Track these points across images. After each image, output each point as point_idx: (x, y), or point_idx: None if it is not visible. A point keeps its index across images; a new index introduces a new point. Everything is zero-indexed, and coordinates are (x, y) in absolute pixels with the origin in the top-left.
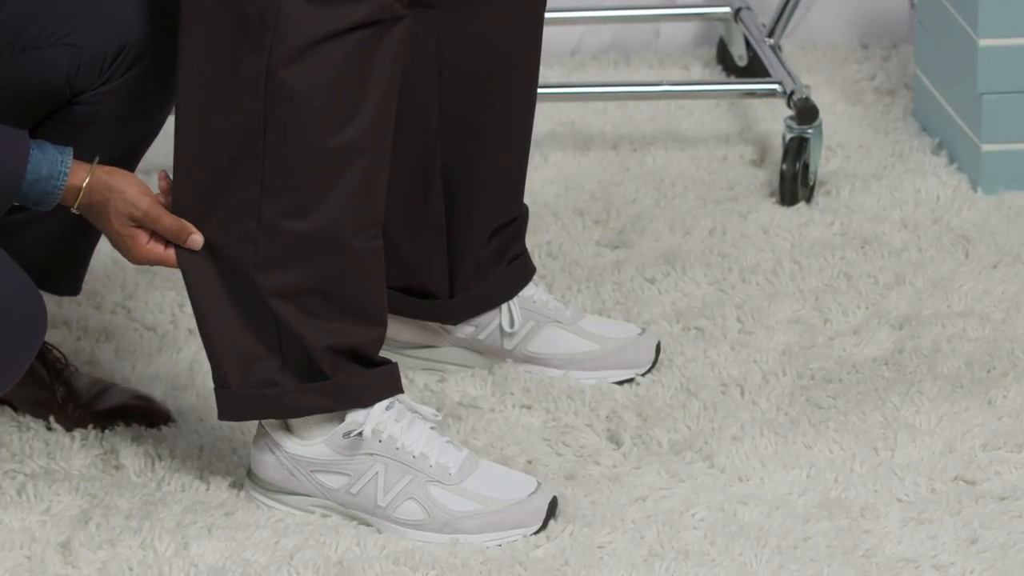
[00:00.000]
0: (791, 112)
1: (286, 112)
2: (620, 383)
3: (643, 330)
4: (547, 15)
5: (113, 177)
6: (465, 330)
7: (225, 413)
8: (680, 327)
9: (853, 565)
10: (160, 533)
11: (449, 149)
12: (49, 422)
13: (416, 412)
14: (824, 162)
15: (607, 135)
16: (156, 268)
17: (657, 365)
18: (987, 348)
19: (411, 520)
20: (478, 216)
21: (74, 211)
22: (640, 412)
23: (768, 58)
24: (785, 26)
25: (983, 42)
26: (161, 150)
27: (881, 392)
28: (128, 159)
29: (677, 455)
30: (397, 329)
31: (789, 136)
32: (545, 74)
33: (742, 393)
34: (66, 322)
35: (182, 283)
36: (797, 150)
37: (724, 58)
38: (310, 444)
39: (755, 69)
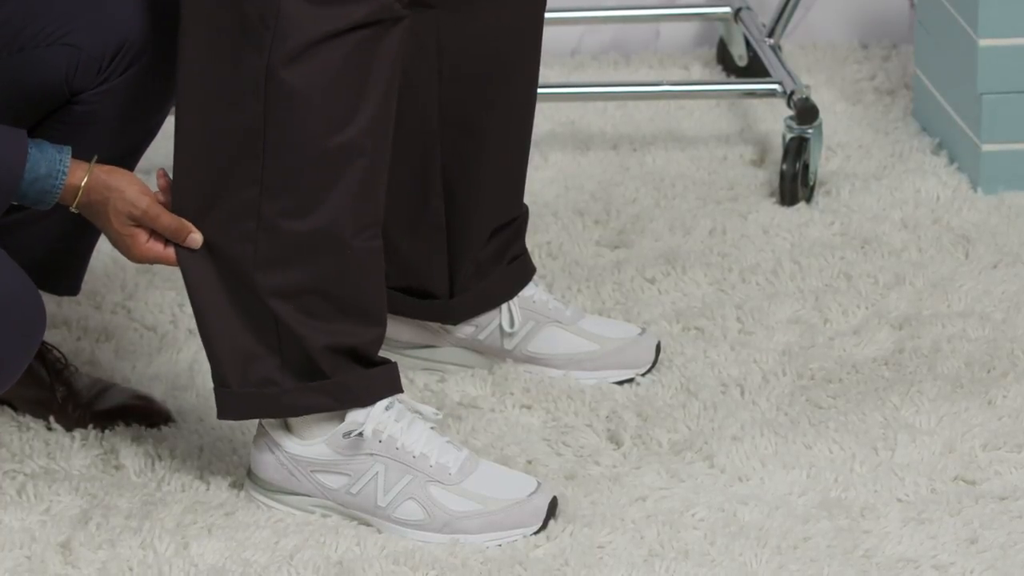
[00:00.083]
0: (791, 112)
1: (286, 112)
2: (620, 383)
3: (643, 330)
4: (547, 15)
5: (112, 176)
6: (465, 330)
7: (224, 412)
8: (680, 327)
9: (853, 565)
10: (160, 533)
11: (449, 149)
12: (49, 422)
13: (417, 412)
14: (824, 162)
15: (607, 135)
16: (156, 268)
17: (657, 365)
18: (987, 348)
19: (411, 520)
20: (478, 216)
21: (73, 210)
22: (640, 412)
23: (768, 58)
24: (785, 26)
25: (983, 42)
26: (161, 150)
27: (881, 392)
28: (127, 158)
29: (677, 455)
30: (397, 329)
31: (789, 136)
32: (545, 74)
33: (742, 393)
34: (66, 322)
35: (182, 283)
36: (797, 150)
37: (724, 58)
38: (310, 444)
39: (755, 69)
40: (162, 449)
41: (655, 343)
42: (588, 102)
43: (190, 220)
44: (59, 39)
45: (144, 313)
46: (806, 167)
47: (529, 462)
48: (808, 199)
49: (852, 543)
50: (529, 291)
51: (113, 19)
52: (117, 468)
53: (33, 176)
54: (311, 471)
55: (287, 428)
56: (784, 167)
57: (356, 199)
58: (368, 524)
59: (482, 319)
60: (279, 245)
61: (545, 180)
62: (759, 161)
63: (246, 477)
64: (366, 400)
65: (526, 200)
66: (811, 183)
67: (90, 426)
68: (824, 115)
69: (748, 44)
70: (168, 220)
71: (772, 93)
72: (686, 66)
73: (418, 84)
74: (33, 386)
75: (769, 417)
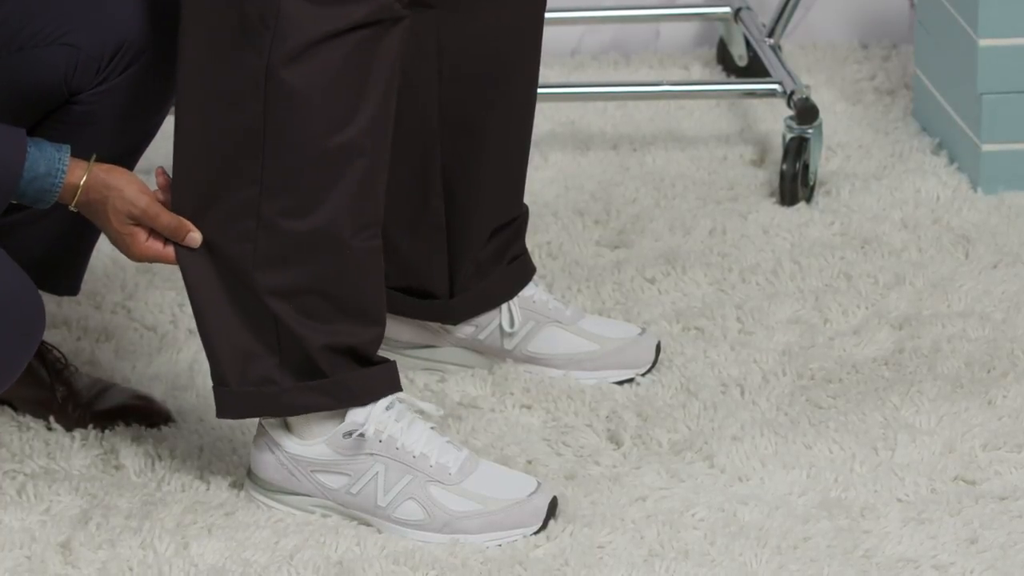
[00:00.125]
0: (791, 112)
1: (286, 112)
2: (620, 383)
3: (643, 330)
4: (547, 15)
5: (111, 175)
6: (465, 330)
7: (223, 411)
8: (680, 327)
9: (853, 565)
10: (160, 533)
11: (449, 149)
12: (49, 422)
13: (418, 408)
14: (824, 162)
15: (607, 135)
16: (156, 268)
17: (657, 365)
18: (987, 348)
19: (411, 520)
20: (478, 216)
21: (72, 209)
22: (640, 412)
23: (768, 58)
24: (785, 26)
25: (983, 42)
26: (161, 150)
27: (881, 392)
28: (127, 158)
29: (677, 455)
30: (397, 329)
31: (789, 136)
32: (545, 74)
33: (742, 393)
34: (66, 322)
35: (182, 283)
36: (797, 150)
37: (724, 58)
38: (310, 444)
39: (755, 69)
40: (162, 449)
41: (655, 343)
42: (588, 102)
43: (189, 219)
44: (58, 39)
45: (144, 313)
46: (806, 167)
47: (529, 462)
48: (808, 199)
49: (852, 543)
50: (529, 291)
51: (112, 19)
52: (117, 468)
53: (32, 175)
54: (311, 471)
55: (287, 428)
56: (784, 167)
57: (355, 199)
58: (368, 524)
59: (482, 319)
60: (278, 244)
61: (545, 180)
62: (759, 161)
63: (246, 477)
64: (365, 399)
65: (526, 200)
66: (811, 183)
67: (90, 426)
68: (824, 115)
69: (748, 44)
70: (167, 219)
71: (772, 93)
72: (686, 66)
73: (418, 84)
74: (33, 386)
75: (769, 417)
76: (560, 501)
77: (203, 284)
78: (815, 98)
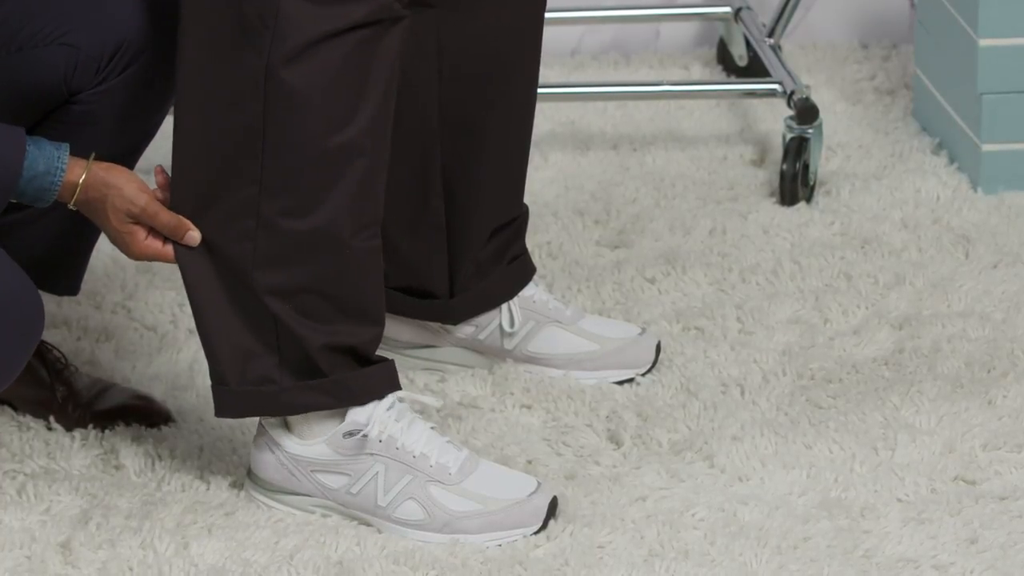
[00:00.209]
0: (791, 112)
1: (285, 112)
2: (620, 383)
3: (643, 330)
4: (547, 15)
5: (110, 173)
6: (465, 330)
7: (222, 410)
8: (680, 327)
9: (853, 565)
10: (160, 533)
11: (449, 149)
12: (49, 422)
13: (418, 403)
14: (824, 162)
15: (607, 135)
16: (156, 268)
17: (657, 365)
18: (987, 348)
19: (411, 520)
20: (478, 216)
21: (71, 207)
22: (640, 412)
23: (768, 58)
24: (785, 26)
25: (983, 42)
26: (160, 149)
27: (881, 392)
28: (126, 158)
29: (677, 455)
30: (397, 329)
31: (789, 136)
32: (545, 74)
33: (742, 393)
34: (66, 322)
35: (182, 283)
36: (797, 150)
37: (724, 58)
38: (310, 444)
39: (755, 69)
40: (162, 449)
41: (655, 343)
42: (588, 102)
43: (188, 218)
44: (57, 39)
45: (144, 313)
46: (806, 167)
47: (529, 462)
48: (808, 199)
49: (852, 543)
50: (529, 291)
51: (112, 19)
52: (117, 468)
53: (32, 173)
54: (311, 471)
55: (287, 428)
56: (784, 167)
57: (355, 199)
58: (368, 524)
59: (482, 319)
60: (278, 244)
61: (545, 180)
62: (759, 161)
63: (246, 477)
64: (364, 398)
65: (526, 200)
66: (811, 183)
67: (90, 426)
68: (824, 115)
69: (748, 44)
70: (166, 217)
71: (772, 93)
72: (686, 66)
73: (418, 84)
74: (33, 386)
75: (769, 417)
76: (560, 501)
77: (202, 283)
78: (815, 98)
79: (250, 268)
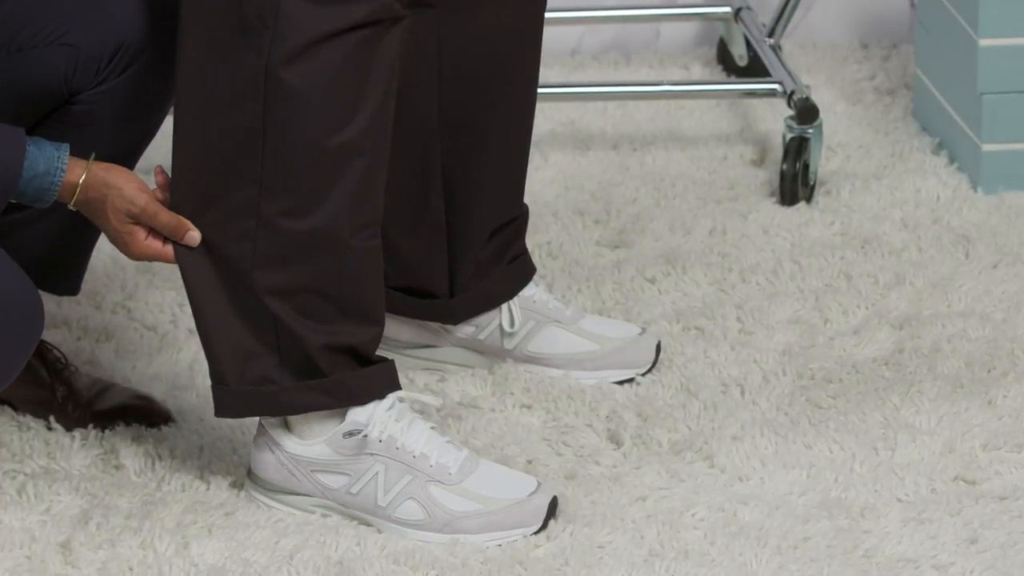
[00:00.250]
0: (791, 112)
1: (285, 112)
2: (620, 383)
3: (643, 330)
4: (547, 15)
5: (110, 174)
6: (465, 330)
7: (222, 410)
8: (680, 327)
9: (853, 565)
10: (160, 533)
11: (449, 149)
12: (49, 422)
13: (418, 403)
14: (824, 162)
15: (607, 135)
16: (156, 267)
17: (657, 365)
18: (987, 348)
19: (411, 520)
20: (478, 216)
21: (71, 207)
22: (640, 412)
23: (768, 58)
24: (785, 26)
25: (983, 42)
26: (161, 149)
27: (881, 392)
28: (126, 158)
29: (677, 455)
30: (397, 329)
31: (789, 136)
32: (545, 74)
33: (742, 393)
34: (66, 322)
35: (182, 283)
36: (797, 150)
37: (724, 58)
38: (310, 444)
39: (755, 69)
40: (162, 449)
41: (655, 343)
42: (588, 102)
43: (188, 218)
44: (57, 39)
45: (144, 313)
46: (806, 167)
47: (529, 462)
48: (808, 199)
49: (852, 543)
50: (529, 291)
51: (112, 19)
52: (117, 468)
53: (31, 173)
54: (311, 471)
55: (287, 428)
56: (784, 167)
57: (355, 199)
58: (368, 524)
59: (482, 319)
60: (278, 244)
61: (545, 180)
62: (759, 161)
63: (246, 477)
64: (364, 398)
65: (526, 200)
66: (811, 183)
67: (90, 426)
68: (824, 115)
69: (748, 44)
70: (166, 217)
71: (772, 93)
72: (686, 66)
73: (418, 84)
74: (33, 386)
75: (769, 417)
76: (560, 501)
77: (202, 283)
78: (815, 98)
79: (250, 268)
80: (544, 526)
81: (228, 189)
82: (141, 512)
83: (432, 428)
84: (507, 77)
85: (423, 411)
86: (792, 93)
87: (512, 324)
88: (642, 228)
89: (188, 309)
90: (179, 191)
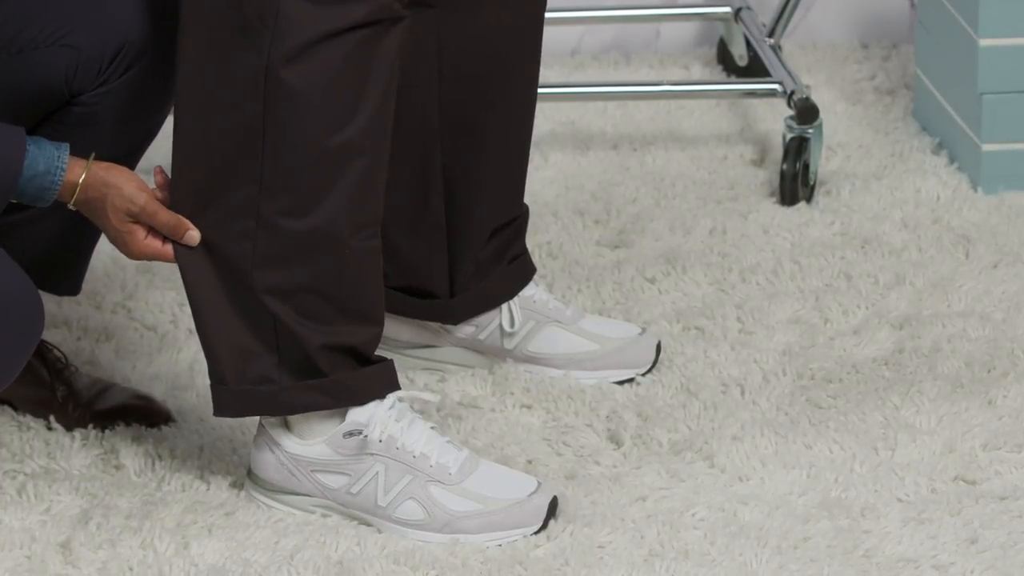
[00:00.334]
0: (791, 112)
1: (285, 112)
2: (620, 383)
3: (643, 330)
4: (547, 15)
5: (110, 173)
6: (465, 330)
7: (221, 409)
8: (680, 327)
9: (853, 565)
10: (160, 533)
11: (449, 149)
12: (49, 422)
13: (418, 402)
14: (824, 162)
15: (607, 135)
16: (156, 268)
17: (657, 365)
18: (987, 348)
19: (411, 520)
20: (478, 216)
21: (71, 207)
22: (640, 412)
23: (768, 58)
24: (785, 26)
25: (983, 42)
26: (161, 149)
27: (881, 392)
28: (127, 159)
29: (677, 455)
30: (397, 329)
31: (789, 136)
32: (545, 74)
33: (742, 393)
34: (66, 322)
35: (182, 282)
36: (797, 150)
37: (724, 58)
38: (310, 444)
39: (755, 69)
40: (162, 449)
41: (655, 343)
42: (588, 102)
43: (188, 217)
44: (58, 40)
45: (144, 313)
46: (806, 167)
47: (529, 462)
48: (808, 199)
49: (852, 543)
50: (529, 291)
51: (113, 19)
52: (117, 468)
53: (32, 173)
54: (311, 471)
55: (287, 427)
56: (784, 167)
57: (354, 199)
58: (368, 524)
59: (482, 319)
60: (278, 244)
61: (545, 180)
62: (759, 161)
63: (246, 477)
64: (363, 398)
65: (526, 200)
66: (811, 183)
67: (90, 426)
68: (824, 115)
69: (748, 44)
70: (166, 217)
71: (772, 93)
72: (686, 66)
73: (418, 84)
74: (33, 385)
75: (769, 417)
76: (560, 501)
77: (202, 282)
78: (815, 98)
79: (249, 268)
80: (544, 526)
81: (228, 189)
82: (141, 512)
83: (432, 428)
84: (507, 77)
85: (423, 411)
86: (792, 93)
87: (512, 324)
88: (642, 228)
89: (188, 309)
90: (179, 190)
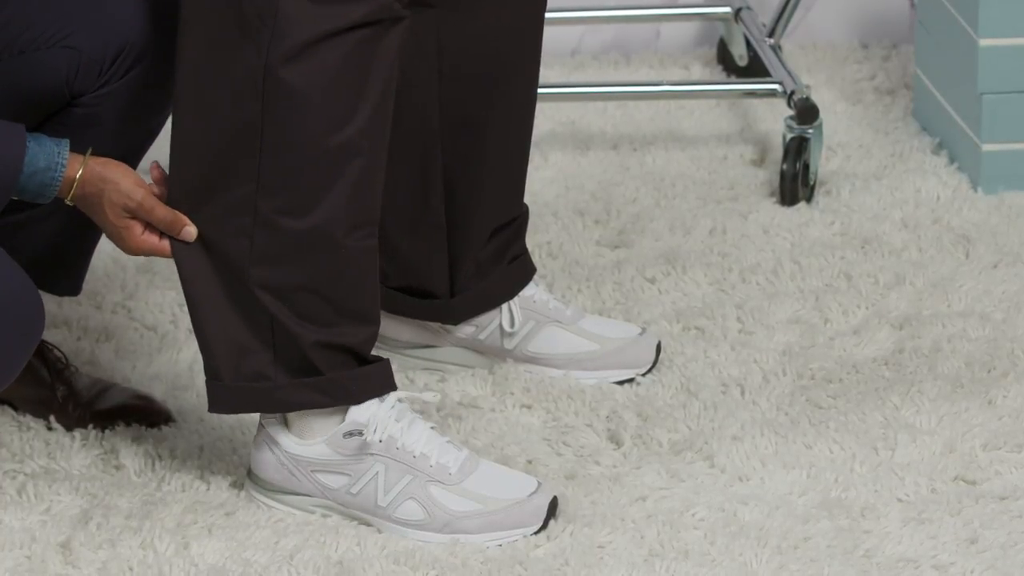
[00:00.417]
0: (791, 112)
1: (285, 111)
2: (620, 383)
3: (643, 330)
4: (547, 15)
5: (107, 168)
6: (465, 330)
7: (216, 405)
8: (680, 327)
9: (853, 565)
10: (160, 533)
11: (449, 148)
12: (49, 422)
13: (418, 402)
14: (824, 162)
15: (607, 135)
16: (156, 268)
17: (657, 365)
18: (987, 348)
19: (411, 520)
20: (478, 216)
21: (68, 202)
22: (640, 412)
23: (768, 58)
24: (785, 26)
25: (983, 42)
26: (163, 149)
27: (881, 392)
28: (128, 159)
29: (677, 455)
30: (397, 329)
31: (789, 136)
32: (545, 74)
33: (742, 393)
34: (66, 322)
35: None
36: (797, 150)
37: (724, 58)
38: (310, 444)
39: (755, 69)
40: (162, 449)
41: (655, 343)
42: (588, 102)
43: (185, 214)
44: (59, 41)
45: (144, 313)
46: (806, 167)
47: (529, 462)
48: (808, 199)
49: (852, 543)
50: (529, 291)
51: (114, 20)
52: (117, 468)
53: (32, 169)
54: (311, 471)
55: (287, 427)
56: (784, 167)
57: (352, 199)
58: (368, 524)
59: (482, 319)
60: (275, 242)
61: (545, 180)
62: (759, 161)
63: (246, 477)
64: (360, 397)
65: (526, 200)
66: (811, 183)
67: (90, 426)
68: (824, 115)
69: (748, 44)
70: (163, 212)
71: (772, 93)
72: (686, 66)
73: (418, 84)
74: (34, 385)
75: (769, 417)
76: (560, 501)
77: (198, 278)
78: (815, 98)
79: (246, 264)
80: (544, 526)
81: (226, 187)
82: (141, 512)
83: (432, 428)
84: (507, 77)
85: (423, 411)
86: (792, 93)
87: (512, 324)
88: (642, 228)
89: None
90: (176, 187)
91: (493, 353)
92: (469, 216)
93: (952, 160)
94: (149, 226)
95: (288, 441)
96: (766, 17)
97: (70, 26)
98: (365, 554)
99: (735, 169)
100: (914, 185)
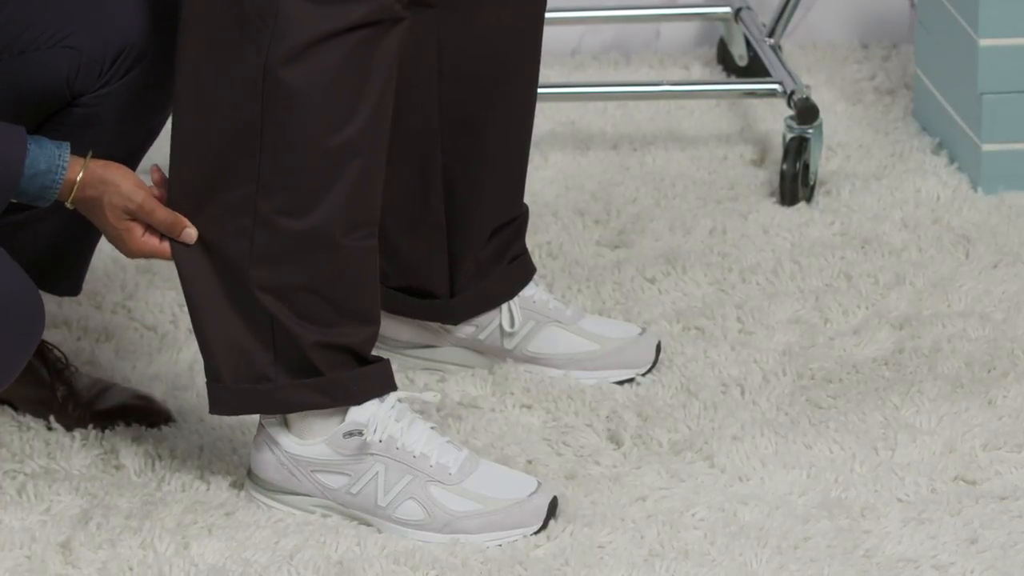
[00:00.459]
0: (791, 112)
1: (284, 111)
2: (620, 383)
3: (643, 330)
4: (547, 15)
5: (107, 171)
6: (465, 330)
7: (217, 407)
8: (680, 327)
9: (853, 565)
10: (160, 533)
11: (449, 149)
12: (49, 422)
13: (418, 402)
14: (824, 162)
15: (607, 135)
16: (157, 268)
17: (657, 365)
18: (987, 348)
19: (411, 520)
20: (478, 216)
21: (68, 205)
22: (640, 412)
23: (768, 58)
24: (785, 26)
25: (983, 42)
26: (163, 149)
27: (881, 392)
28: (128, 160)
29: (677, 455)
30: (397, 329)
31: (789, 136)
32: (545, 74)
33: (742, 393)
34: (66, 322)
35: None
36: (797, 150)
37: (724, 58)
38: (310, 444)
39: (755, 69)
40: (162, 449)
41: (655, 343)
42: (588, 102)
43: (185, 215)
44: (59, 42)
45: (144, 313)
46: (806, 167)
47: (529, 462)
48: (808, 199)
49: (852, 543)
50: (529, 291)
51: (114, 21)
52: (117, 468)
53: (33, 172)
54: (311, 471)
55: (287, 427)
56: (784, 167)
57: (352, 199)
58: (368, 524)
59: (482, 319)
60: (275, 242)
61: (545, 180)
62: (759, 161)
63: (246, 477)
64: (360, 398)
65: (526, 200)
66: (811, 183)
67: (90, 426)
68: (824, 115)
69: (748, 44)
70: (163, 214)
71: (772, 93)
72: (686, 66)
73: (418, 84)
74: (34, 385)
75: (769, 417)
76: (560, 501)
77: (199, 279)
78: (815, 98)
79: (246, 265)
80: (544, 526)
81: (226, 187)
82: (141, 512)
83: (432, 428)
84: (507, 77)
85: (423, 411)
86: (792, 93)
87: (512, 324)
88: (642, 228)
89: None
90: (176, 188)
91: (493, 353)
92: (469, 216)
93: (952, 160)
94: (149, 228)
95: (288, 441)
96: (766, 17)
97: (70, 26)
98: (365, 554)
99: (735, 169)
100: (914, 185)
